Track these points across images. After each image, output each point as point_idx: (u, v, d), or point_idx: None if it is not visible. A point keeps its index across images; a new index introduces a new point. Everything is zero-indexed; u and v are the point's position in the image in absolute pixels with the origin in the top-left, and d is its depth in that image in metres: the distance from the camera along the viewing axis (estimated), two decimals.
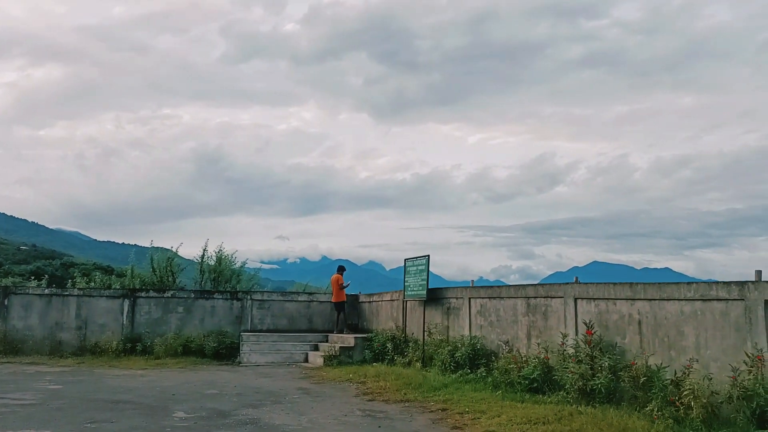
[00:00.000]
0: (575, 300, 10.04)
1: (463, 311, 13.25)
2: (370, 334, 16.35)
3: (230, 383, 12.37)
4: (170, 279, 20.08)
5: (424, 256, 14.54)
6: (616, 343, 9.19)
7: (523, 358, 10.74)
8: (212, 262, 20.59)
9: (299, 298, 19.23)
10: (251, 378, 13.44)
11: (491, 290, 12.48)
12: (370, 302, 18.67)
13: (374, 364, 14.84)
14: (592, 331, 9.26)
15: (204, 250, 20.66)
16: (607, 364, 8.79)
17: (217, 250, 20.72)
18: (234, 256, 21.00)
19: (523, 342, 11.27)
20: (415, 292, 14.73)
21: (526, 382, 9.98)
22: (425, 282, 14.32)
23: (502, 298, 11.99)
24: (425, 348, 13.81)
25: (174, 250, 20.96)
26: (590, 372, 8.91)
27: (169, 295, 18.27)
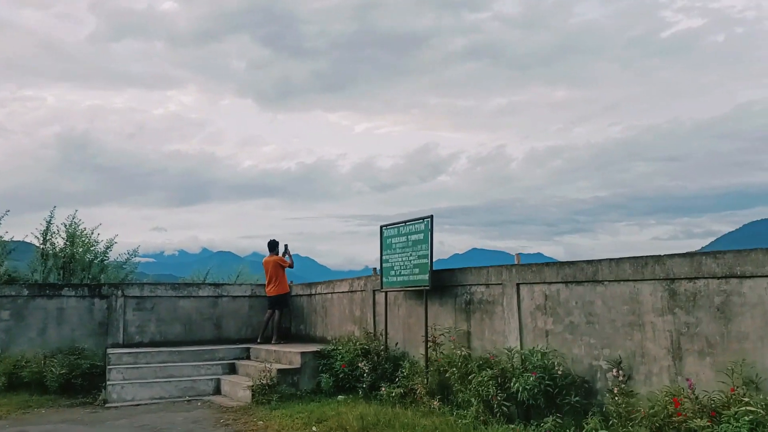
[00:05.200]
0: None
1: (503, 307, 7.76)
2: (322, 347, 10.40)
3: None
4: None
5: (424, 218, 8.88)
6: None
7: (666, 396, 5.50)
8: (61, 242, 13.63)
9: (201, 293, 12.85)
10: None
11: (570, 268, 7.01)
12: (310, 295, 12.66)
13: (340, 397, 9.00)
14: None
15: (48, 223, 13.64)
16: None
17: (68, 223, 13.76)
18: (96, 234, 14.15)
19: (661, 364, 5.98)
20: (408, 278, 9.04)
21: None
22: (427, 260, 8.68)
23: (602, 281, 6.61)
24: (432, 370, 8.21)
25: None
26: None
27: None
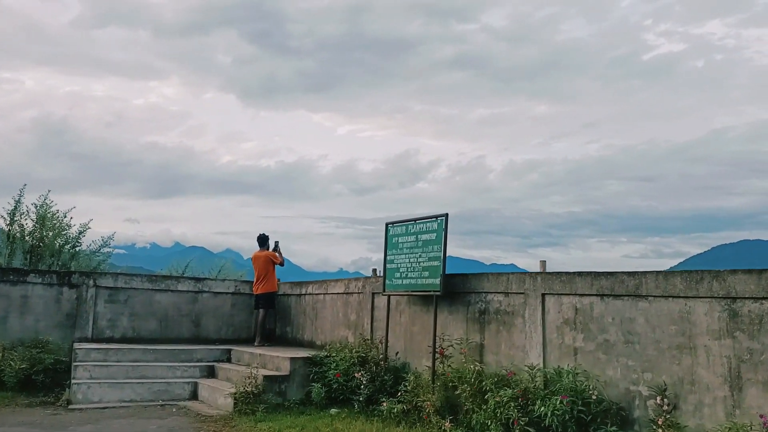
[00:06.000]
0: None
1: (524, 319, 6.98)
2: (314, 353, 9.51)
3: None
4: None
5: (438, 216, 8.07)
6: None
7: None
8: (30, 224, 12.53)
9: (180, 287, 11.85)
10: None
11: (608, 279, 6.23)
12: (299, 295, 11.74)
13: (334, 411, 8.13)
14: None
15: (17, 203, 12.54)
16: None
17: (38, 203, 12.66)
18: (69, 218, 13.08)
19: (715, 394, 5.24)
20: (415, 281, 8.22)
21: None
22: (439, 263, 7.86)
23: (645, 297, 5.86)
24: (439, 385, 7.39)
25: None
26: None
27: None
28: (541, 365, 6.65)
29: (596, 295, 6.28)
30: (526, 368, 6.63)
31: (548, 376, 6.45)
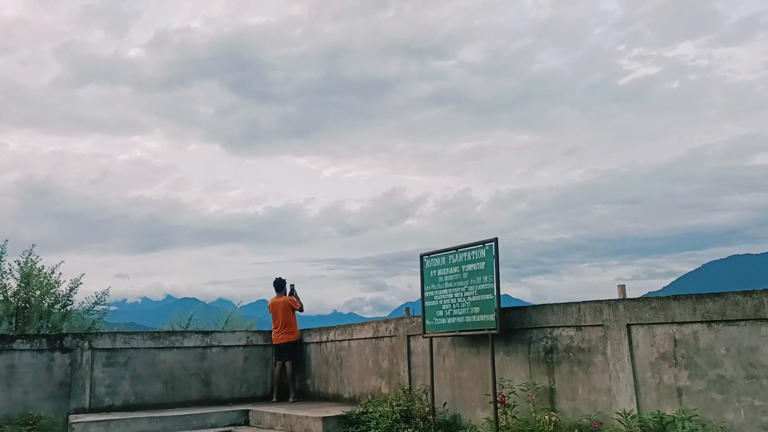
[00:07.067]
0: None
1: (606, 356, 5.90)
2: (348, 409, 8.27)
3: None
4: None
5: (485, 242, 7.03)
6: None
7: None
8: (14, 284, 11.29)
9: (186, 343, 10.62)
10: None
11: (715, 302, 5.15)
12: (320, 343, 10.54)
13: None
14: None
15: None
16: None
17: (23, 260, 11.44)
18: (58, 274, 11.87)
19: None
20: (463, 319, 7.13)
21: None
22: (493, 296, 6.80)
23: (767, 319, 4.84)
24: None
25: None
26: None
27: None
28: (635, 410, 5.56)
29: (701, 321, 5.24)
30: (617, 416, 5.54)
31: (649, 425, 5.36)
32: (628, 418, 5.46)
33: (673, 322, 5.42)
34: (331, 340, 10.14)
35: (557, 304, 6.49)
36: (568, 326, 6.32)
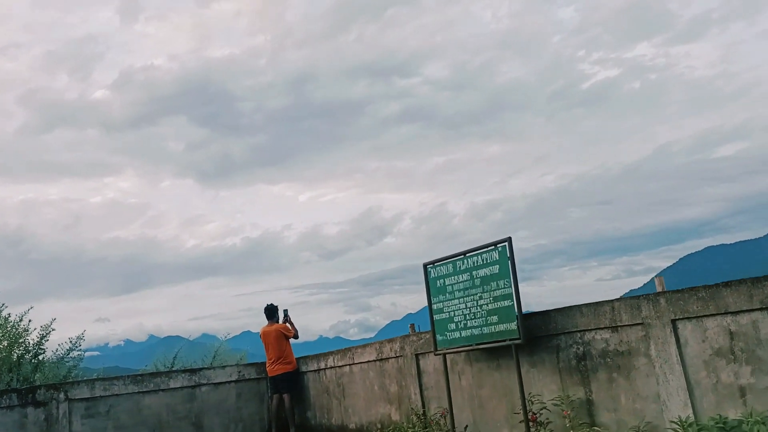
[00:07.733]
0: None
1: (650, 358, 5.24)
2: None
3: None
4: None
5: (497, 243, 6.36)
6: None
7: None
8: None
9: (172, 383, 9.71)
10: None
11: None
12: (318, 371, 9.73)
13: None
14: None
15: None
16: None
17: None
18: (27, 321, 10.93)
19: None
20: (480, 331, 6.43)
21: None
22: (512, 301, 6.11)
23: None
24: None
25: None
26: None
27: None
28: (692, 417, 4.90)
29: (760, 309, 4.62)
30: (672, 424, 4.87)
31: (712, 431, 4.69)
32: (686, 425, 4.80)
33: (726, 313, 4.79)
34: (330, 367, 9.35)
35: (586, 305, 5.83)
36: (602, 328, 5.66)
